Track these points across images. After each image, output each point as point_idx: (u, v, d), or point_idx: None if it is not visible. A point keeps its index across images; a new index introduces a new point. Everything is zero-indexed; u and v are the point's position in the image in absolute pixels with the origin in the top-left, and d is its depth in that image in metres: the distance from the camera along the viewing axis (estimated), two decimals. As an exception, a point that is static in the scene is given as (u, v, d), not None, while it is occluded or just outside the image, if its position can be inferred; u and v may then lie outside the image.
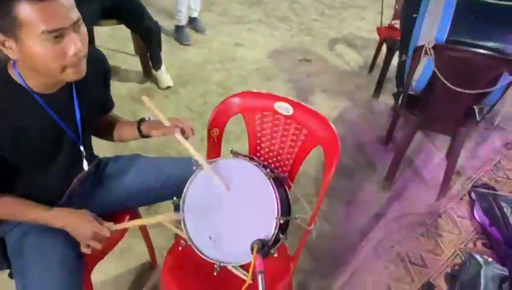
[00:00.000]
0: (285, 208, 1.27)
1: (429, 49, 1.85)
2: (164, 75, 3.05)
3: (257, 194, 1.21)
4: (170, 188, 1.37)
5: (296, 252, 1.38)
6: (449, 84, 1.87)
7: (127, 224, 1.31)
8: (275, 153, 1.41)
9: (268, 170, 1.22)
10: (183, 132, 1.26)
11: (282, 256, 1.38)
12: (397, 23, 3.07)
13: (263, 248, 1.09)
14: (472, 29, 1.84)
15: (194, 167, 1.27)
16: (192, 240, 1.27)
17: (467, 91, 1.87)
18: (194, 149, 1.23)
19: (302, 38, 3.98)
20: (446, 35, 1.83)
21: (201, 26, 3.91)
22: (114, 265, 1.84)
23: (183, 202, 1.29)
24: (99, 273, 1.79)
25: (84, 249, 1.17)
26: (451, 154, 2.26)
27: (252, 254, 1.06)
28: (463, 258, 1.93)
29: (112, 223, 1.19)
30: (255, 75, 3.33)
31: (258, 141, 1.42)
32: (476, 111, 2.11)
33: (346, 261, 1.94)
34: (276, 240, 1.24)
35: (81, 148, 1.21)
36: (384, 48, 3.06)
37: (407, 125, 2.27)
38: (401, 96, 2.19)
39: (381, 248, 2.01)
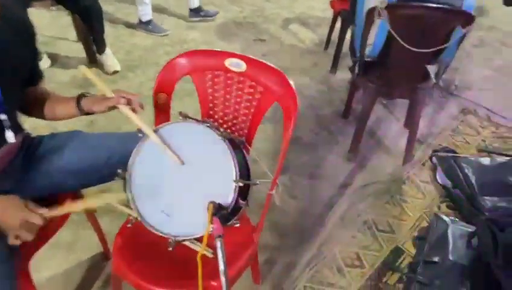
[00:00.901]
0: (244, 172, 1.17)
1: (382, 9, 1.80)
2: (110, 60, 2.86)
3: (211, 158, 1.10)
4: (117, 165, 1.22)
5: (260, 221, 1.28)
6: (405, 44, 1.83)
7: (64, 209, 1.05)
8: (230, 116, 1.30)
9: (222, 130, 1.11)
10: (129, 104, 1.13)
11: (245, 226, 1.28)
12: (349, -4, 3.04)
13: (220, 210, 0.98)
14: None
15: (141, 136, 1.15)
16: (143, 216, 1.14)
17: (423, 50, 1.84)
18: (139, 119, 1.11)
19: (255, 19, 3.88)
20: (397, -6, 1.79)
21: (212, 12, 3.79)
22: (62, 259, 1.67)
23: (130, 176, 1.16)
24: (47, 269, 1.63)
25: (13, 241, 1.00)
26: (412, 119, 2.25)
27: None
28: (429, 221, 1.91)
29: (46, 210, 1.02)
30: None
31: (211, 105, 1.31)
32: (433, 73, 2.10)
33: (314, 235, 1.87)
34: (237, 207, 1.14)
35: (2, 116, 1.05)
36: (338, 23, 3.02)
37: (367, 93, 2.23)
38: (357, 65, 2.14)
39: (347, 218, 1.96)
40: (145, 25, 3.49)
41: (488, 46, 3.69)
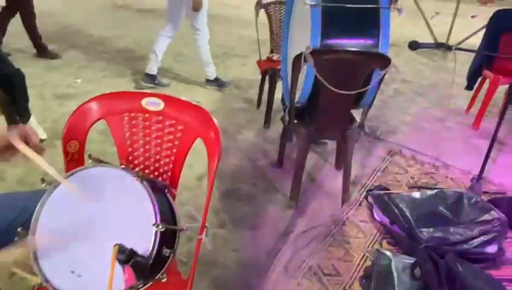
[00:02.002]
0: (167, 217, 1.03)
1: (308, 55, 1.84)
2: (35, 129, 2.64)
3: (128, 203, 0.95)
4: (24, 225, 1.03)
5: (190, 273, 1.11)
6: (331, 87, 1.86)
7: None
8: (152, 159, 1.17)
9: (139, 172, 0.98)
10: (26, 143, 0.97)
11: (175, 281, 1.10)
12: (274, 56, 3.15)
13: (134, 256, 0.82)
14: (342, 31, 1.89)
15: (44, 185, 0.98)
16: (49, 280, 0.94)
17: (348, 92, 1.88)
18: (45, 162, 0.95)
19: (190, 84, 3.89)
20: (319, 41, 1.85)
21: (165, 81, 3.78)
22: None
23: (33, 233, 0.97)
24: None
25: None
26: (343, 160, 2.23)
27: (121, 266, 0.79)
28: (372, 259, 1.82)
29: None
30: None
31: (130, 149, 1.18)
32: (358, 117, 2.15)
33: (259, 287, 1.70)
34: (162, 258, 0.98)
35: None
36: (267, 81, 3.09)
37: (299, 138, 2.20)
38: (286, 112, 2.14)
39: (292, 265, 1.81)
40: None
41: (404, 96, 3.95)
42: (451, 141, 3.07)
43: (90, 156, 1.02)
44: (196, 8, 3.39)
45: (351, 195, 2.32)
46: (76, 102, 3.32)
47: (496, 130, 2.23)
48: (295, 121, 2.13)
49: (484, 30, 3.39)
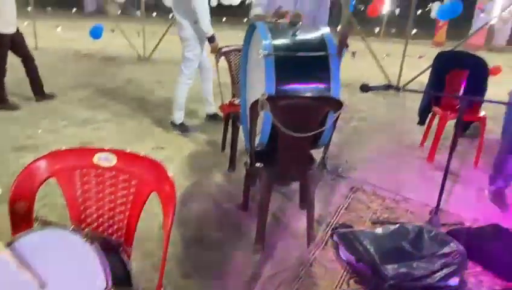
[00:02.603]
0: (122, 278, 0.97)
1: (264, 101, 1.87)
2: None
3: (76, 269, 0.88)
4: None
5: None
6: (288, 131, 1.88)
7: None
8: (106, 216, 1.12)
9: (88, 232, 0.93)
10: None
11: None
12: (236, 100, 3.19)
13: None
14: (295, 78, 1.95)
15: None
16: None
17: (304, 135, 1.90)
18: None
19: (154, 129, 3.84)
20: (275, 88, 1.89)
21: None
22: None
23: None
24: None
25: None
26: (306, 200, 2.23)
27: None
28: (341, 300, 1.78)
29: None
30: (106, 170, 2.99)
31: (82, 207, 1.12)
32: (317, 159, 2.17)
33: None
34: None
35: None
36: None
37: (262, 181, 2.19)
38: (248, 156, 2.14)
39: (260, 313, 1.75)
40: (179, 127, 3.75)
41: (362, 133, 4.07)
42: (409, 175, 3.16)
43: (37, 219, 0.96)
44: (213, 51, 3.56)
45: (317, 234, 2.30)
46: (36, 154, 3.21)
47: (448, 163, 2.30)
48: (257, 164, 2.13)
49: (430, 69, 3.62)
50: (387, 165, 3.35)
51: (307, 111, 1.86)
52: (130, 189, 1.08)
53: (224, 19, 12.11)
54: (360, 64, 6.61)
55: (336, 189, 2.89)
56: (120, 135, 3.65)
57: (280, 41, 1.94)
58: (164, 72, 6.33)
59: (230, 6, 9.82)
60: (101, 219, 1.12)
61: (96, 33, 6.40)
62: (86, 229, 0.90)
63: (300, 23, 2.02)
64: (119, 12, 13.36)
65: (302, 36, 2.00)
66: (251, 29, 2.21)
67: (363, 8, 9.82)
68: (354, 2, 7.93)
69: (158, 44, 7.19)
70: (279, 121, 1.86)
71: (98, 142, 3.45)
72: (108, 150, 1.07)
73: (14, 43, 4.13)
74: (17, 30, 4.16)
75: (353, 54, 5.75)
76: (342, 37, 2.64)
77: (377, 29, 10.60)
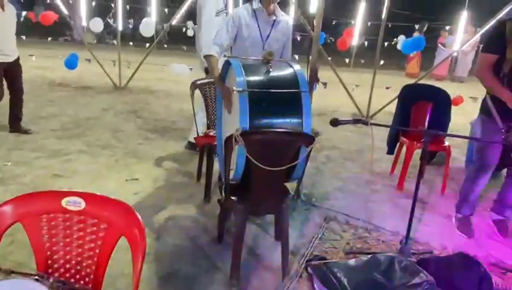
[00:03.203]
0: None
1: (238, 136, 1.88)
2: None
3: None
4: None
5: None
6: (262, 166, 1.89)
7: None
8: (73, 262, 1.08)
9: (54, 281, 0.89)
10: None
11: None
12: (211, 131, 3.19)
13: None
14: (268, 114, 1.97)
15: None
16: None
17: (277, 169, 1.92)
18: None
19: (128, 160, 3.78)
20: (249, 123, 1.91)
21: None
22: None
23: None
24: None
25: None
26: (281, 233, 2.22)
27: None
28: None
29: None
30: (77, 203, 2.89)
31: (49, 253, 1.07)
32: (291, 190, 2.18)
33: None
34: None
35: None
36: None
37: (236, 214, 2.17)
38: (223, 189, 2.13)
39: None
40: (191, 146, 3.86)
41: (335, 162, 4.14)
42: (380, 203, 3.21)
43: (1, 270, 0.91)
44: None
45: (292, 267, 2.28)
46: (5, 187, 3.10)
47: (415, 192, 2.34)
48: (232, 198, 2.12)
49: (397, 101, 3.76)
50: (359, 193, 3.40)
51: (280, 146, 1.89)
52: (98, 233, 1.05)
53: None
54: (331, 94, 6.78)
55: (310, 218, 2.90)
56: (93, 167, 3.56)
57: (254, 78, 1.98)
58: (140, 101, 6.29)
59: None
60: (68, 265, 1.07)
61: (71, 63, 6.32)
62: (51, 280, 0.86)
63: (272, 61, 2.07)
64: (95, 41, 13.32)
65: (275, 73, 2.04)
66: (227, 66, 2.24)
67: (333, 40, 10.20)
68: (324, 36, 8.21)
69: (134, 73, 7.17)
70: (253, 156, 1.87)
71: (70, 174, 3.36)
72: (77, 194, 1.04)
73: (9, 72, 4.07)
74: (16, 61, 4.12)
75: (324, 84, 5.90)
76: (312, 72, 2.72)
77: (347, 60, 10.99)
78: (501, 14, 6.02)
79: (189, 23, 12.10)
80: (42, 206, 1.05)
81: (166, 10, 11.88)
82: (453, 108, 3.77)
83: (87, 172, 3.44)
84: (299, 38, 8.96)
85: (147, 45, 8.58)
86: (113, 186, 3.19)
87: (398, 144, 3.73)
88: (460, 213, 2.85)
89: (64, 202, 1.04)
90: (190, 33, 11.84)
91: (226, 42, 2.63)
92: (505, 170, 2.86)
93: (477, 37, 7.09)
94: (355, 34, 8.48)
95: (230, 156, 2.00)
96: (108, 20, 10.13)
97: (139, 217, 1.01)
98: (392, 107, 4.15)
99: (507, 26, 2.39)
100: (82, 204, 1.04)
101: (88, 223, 1.05)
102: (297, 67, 2.07)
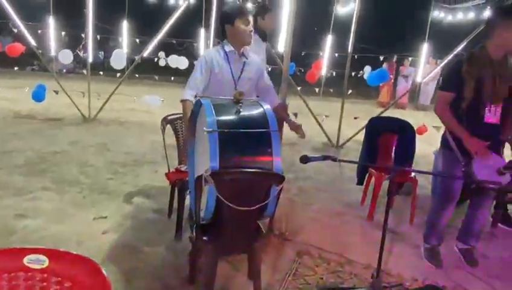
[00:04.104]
0: None
1: (208, 176, 1.88)
2: None
3: None
4: None
5: None
6: (232, 205, 1.89)
7: None
8: (34, 323, 1.03)
9: None
10: None
11: None
12: (183, 167, 3.17)
13: None
14: (239, 154, 1.99)
15: None
16: None
17: (248, 208, 1.92)
18: None
19: (96, 197, 3.67)
20: (218, 163, 1.91)
21: None
22: None
23: None
24: None
25: None
26: (253, 271, 2.20)
27: None
28: None
29: None
30: (42, 245, 2.76)
31: (8, 315, 1.02)
32: (261, 225, 2.19)
33: None
34: None
35: None
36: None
37: (207, 254, 2.14)
38: (193, 229, 2.11)
39: None
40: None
41: (307, 193, 4.18)
42: (352, 235, 3.25)
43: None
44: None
45: (265, 306, 2.25)
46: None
47: (384, 226, 2.39)
48: (203, 238, 2.10)
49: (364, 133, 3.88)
50: (332, 225, 3.44)
51: (250, 185, 1.90)
52: (62, 292, 1.01)
53: (172, 78, 12.35)
54: (302, 123, 6.87)
55: (283, 253, 2.89)
56: (59, 205, 3.43)
57: (224, 118, 2.01)
58: (110, 133, 6.20)
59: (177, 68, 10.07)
60: (28, 326, 1.03)
61: (38, 95, 6.19)
62: None
63: (243, 101, 2.11)
64: (64, 70, 13.13)
65: (245, 113, 2.08)
66: (198, 105, 2.26)
67: (303, 70, 10.52)
68: (294, 68, 8.46)
69: (105, 104, 7.09)
70: (224, 195, 1.87)
71: (34, 214, 3.21)
72: (40, 250, 1.01)
73: None
74: None
75: (295, 114, 6.04)
76: (280, 110, 2.79)
77: (317, 89, 11.32)
78: (459, 48, 6.44)
79: (161, 54, 12.19)
80: (2, 265, 1.00)
81: (138, 40, 11.94)
82: (418, 137, 3.93)
83: (53, 211, 3.31)
84: (269, 69, 9.20)
85: (118, 74, 8.55)
86: (80, 226, 3.08)
87: (367, 175, 3.83)
88: (428, 243, 2.92)
89: (26, 260, 1.01)
90: (162, 63, 11.92)
91: (201, 85, 2.67)
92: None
93: (438, 68, 7.50)
94: (324, 66, 8.78)
95: (200, 196, 1.99)
96: (78, 52, 10.05)
97: (106, 275, 0.99)
98: (362, 136, 4.28)
99: (463, 66, 2.55)
100: (45, 262, 1.01)
101: (51, 282, 1.01)
102: (267, 106, 2.12)
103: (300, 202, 3.90)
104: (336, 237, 3.17)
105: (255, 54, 3.52)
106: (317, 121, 6.44)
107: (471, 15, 9.32)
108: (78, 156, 4.87)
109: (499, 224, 3.54)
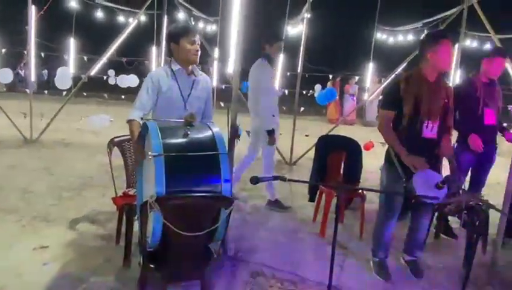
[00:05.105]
0: None
1: (153, 202, 1.83)
2: None
3: None
4: None
5: None
6: (180, 231, 1.85)
7: None
8: None
9: None
10: None
11: None
12: (131, 191, 3.07)
13: None
14: (186, 177, 1.96)
15: None
16: None
17: (197, 233, 1.89)
18: None
19: (37, 225, 3.43)
20: (165, 188, 1.87)
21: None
22: None
23: None
24: None
25: None
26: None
27: None
28: None
29: None
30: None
31: None
32: (213, 250, 2.15)
33: None
34: None
35: None
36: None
37: (157, 283, 2.07)
38: (141, 257, 2.03)
39: None
40: (274, 204, 4.19)
41: (260, 212, 4.18)
42: (305, 252, 3.29)
43: None
44: (271, 143, 4.00)
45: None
46: None
47: (334, 239, 2.40)
48: (150, 266, 2.02)
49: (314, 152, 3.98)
50: (285, 243, 3.45)
51: (198, 210, 1.87)
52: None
53: (123, 96, 12.04)
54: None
55: (236, 275, 2.84)
56: (-6, 236, 3.17)
57: (171, 142, 1.98)
58: (54, 156, 5.88)
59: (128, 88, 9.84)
60: None
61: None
62: None
63: (194, 122, 2.09)
64: (4, 89, 12.37)
65: (193, 136, 2.06)
66: (145, 128, 2.21)
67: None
68: (246, 84, 8.54)
69: (49, 124, 6.72)
70: (170, 221, 1.83)
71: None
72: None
73: None
74: None
75: (248, 132, 6.07)
76: (232, 129, 2.79)
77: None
78: (400, 68, 6.86)
79: (111, 72, 11.87)
80: None
81: (85, 58, 11.56)
82: (365, 153, 4.09)
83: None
84: (224, 87, 9.26)
85: (64, 93, 8.19)
86: (19, 258, 2.86)
87: (318, 191, 3.91)
88: (376, 257, 3.01)
89: None
90: (112, 81, 11.58)
91: (148, 105, 2.61)
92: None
93: (382, 87, 7.92)
94: (276, 84, 8.95)
95: (145, 223, 1.93)
96: (20, 71, 9.53)
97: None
98: (313, 153, 4.38)
99: (401, 85, 2.71)
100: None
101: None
102: (216, 129, 2.11)
103: (254, 221, 3.89)
104: (290, 255, 3.19)
105: (262, 77, 3.95)
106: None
107: (410, 37, 9.99)
108: (17, 182, 4.56)
109: (441, 235, 3.73)
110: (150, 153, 1.87)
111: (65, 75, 6.77)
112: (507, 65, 5.71)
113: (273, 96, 4.10)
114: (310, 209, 4.09)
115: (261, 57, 4.06)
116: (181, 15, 8.52)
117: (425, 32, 8.31)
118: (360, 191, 3.65)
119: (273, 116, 4.04)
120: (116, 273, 2.77)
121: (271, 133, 3.96)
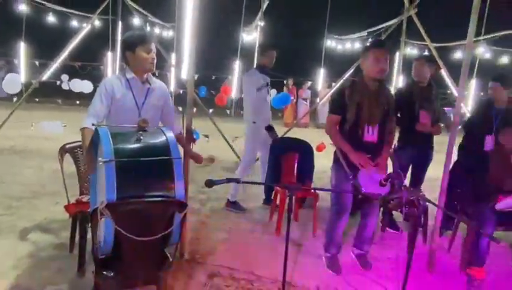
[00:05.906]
0: None
1: (103, 209, 1.75)
2: None
3: None
4: None
5: None
6: (133, 237, 1.79)
7: None
8: None
9: None
10: None
11: None
12: (84, 197, 2.93)
13: None
14: (138, 183, 1.89)
15: None
16: None
17: (150, 238, 1.83)
18: None
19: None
20: (116, 194, 1.79)
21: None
22: None
23: None
24: None
25: None
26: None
27: None
28: None
29: None
30: None
31: None
32: (168, 253, 2.10)
33: None
34: None
35: None
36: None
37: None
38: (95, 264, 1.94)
39: None
40: (233, 205, 4.20)
41: (218, 213, 4.15)
42: (261, 251, 3.30)
43: None
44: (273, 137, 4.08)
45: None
46: None
47: (287, 237, 2.41)
48: (103, 273, 1.93)
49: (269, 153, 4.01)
50: (242, 243, 3.45)
51: (151, 214, 1.82)
52: None
53: (78, 102, 11.52)
54: (214, 144, 6.94)
55: (194, 277, 2.80)
56: None
57: (123, 147, 1.90)
58: (4, 163, 5.49)
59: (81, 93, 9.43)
60: None
61: None
62: None
63: (147, 128, 2.03)
64: None
65: (146, 141, 1.99)
66: (96, 134, 2.11)
67: (214, 93, 10.61)
68: (205, 91, 8.49)
69: (-4, 132, 6.29)
70: (123, 227, 1.76)
71: None
72: None
73: None
74: None
75: (207, 136, 6.02)
76: (180, 139, 2.74)
77: (228, 111, 11.50)
78: (347, 74, 7.09)
79: (64, 77, 11.32)
80: None
81: (37, 63, 10.95)
82: (318, 154, 4.19)
83: None
84: (181, 92, 9.12)
85: (15, 99, 7.70)
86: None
87: (273, 192, 3.94)
88: (328, 252, 3.09)
89: None
90: (65, 87, 11.05)
91: (101, 112, 2.50)
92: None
93: (331, 92, 8.16)
94: (233, 89, 8.98)
95: (96, 231, 1.84)
96: (-37, 75, 8.84)
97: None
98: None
99: (346, 92, 2.82)
100: None
101: None
102: (169, 134, 2.06)
103: (211, 223, 3.86)
104: (246, 255, 3.18)
105: (251, 84, 4.04)
106: (228, 143, 6.51)
107: (357, 45, 10.41)
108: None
109: (387, 228, 3.89)
110: (100, 159, 1.79)
111: (14, 80, 6.36)
112: (442, 71, 6.08)
113: (260, 99, 4.12)
114: (266, 210, 4.12)
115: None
116: (136, 20, 8.30)
117: (370, 40, 8.69)
118: (312, 190, 3.72)
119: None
120: (70, 282, 2.63)
121: (270, 129, 4.07)
